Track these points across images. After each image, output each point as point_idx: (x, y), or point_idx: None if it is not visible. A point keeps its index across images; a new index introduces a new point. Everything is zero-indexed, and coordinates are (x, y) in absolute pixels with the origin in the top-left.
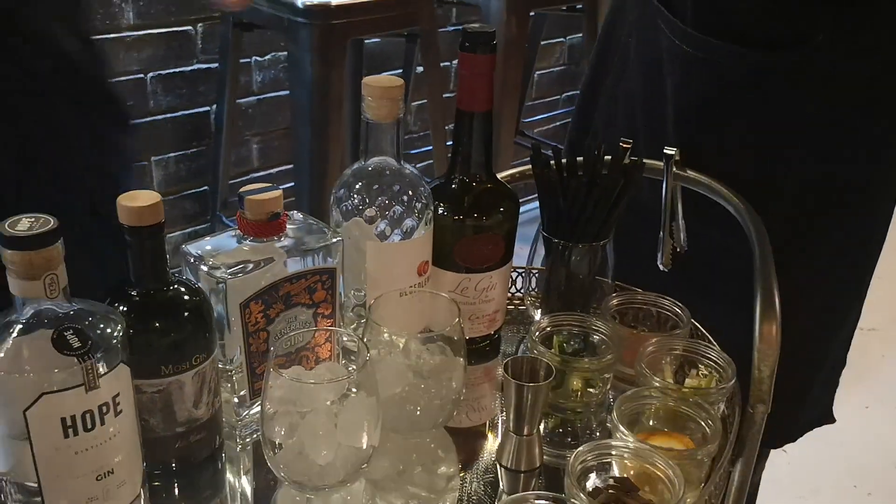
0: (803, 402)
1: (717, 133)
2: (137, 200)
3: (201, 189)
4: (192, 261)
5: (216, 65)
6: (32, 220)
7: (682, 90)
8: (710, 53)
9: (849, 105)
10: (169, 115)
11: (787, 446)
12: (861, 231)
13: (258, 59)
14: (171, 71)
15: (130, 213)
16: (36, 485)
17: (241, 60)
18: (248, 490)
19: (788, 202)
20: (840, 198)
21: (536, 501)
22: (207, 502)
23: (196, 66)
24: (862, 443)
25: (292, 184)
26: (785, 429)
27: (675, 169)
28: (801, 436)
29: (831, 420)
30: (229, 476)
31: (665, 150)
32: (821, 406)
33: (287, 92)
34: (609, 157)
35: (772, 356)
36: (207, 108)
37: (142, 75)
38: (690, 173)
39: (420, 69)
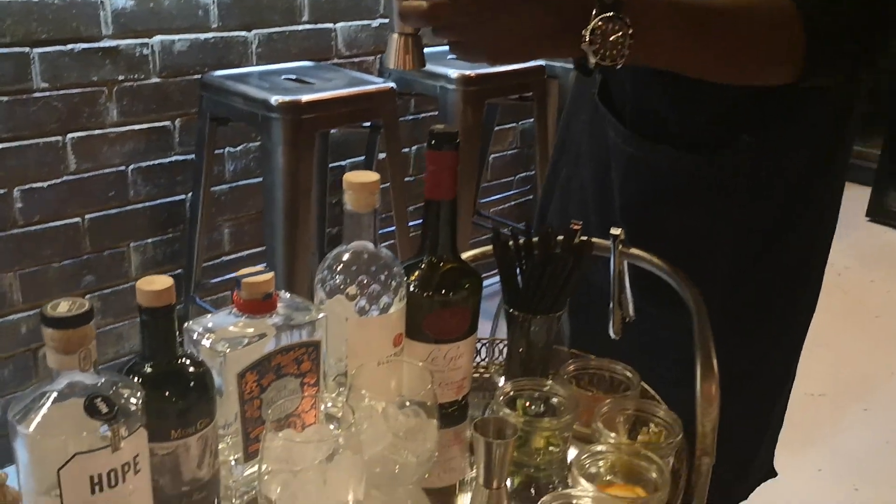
0: (752, 464)
1: (657, 220)
2: (154, 284)
3: (176, 271)
4: (195, 336)
5: (192, 156)
6: (70, 303)
7: (625, 183)
8: (648, 154)
9: (772, 197)
10: (147, 204)
11: None
12: (795, 300)
13: (231, 149)
14: (151, 163)
15: (148, 296)
16: None
17: (216, 151)
18: None
19: (721, 280)
20: (769, 276)
21: None
22: None
23: (173, 158)
24: None
25: (264, 265)
26: (736, 489)
27: (620, 247)
28: (751, 493)
29: (774, 474)
30: None
31: (611, 231)
32: (766, 464)
33: (256, 179)
34: (561, 238)
35: (712, 412)
36: (183, 197)
37: (123, 167)
38: (634, 251)
39: (382, 156)
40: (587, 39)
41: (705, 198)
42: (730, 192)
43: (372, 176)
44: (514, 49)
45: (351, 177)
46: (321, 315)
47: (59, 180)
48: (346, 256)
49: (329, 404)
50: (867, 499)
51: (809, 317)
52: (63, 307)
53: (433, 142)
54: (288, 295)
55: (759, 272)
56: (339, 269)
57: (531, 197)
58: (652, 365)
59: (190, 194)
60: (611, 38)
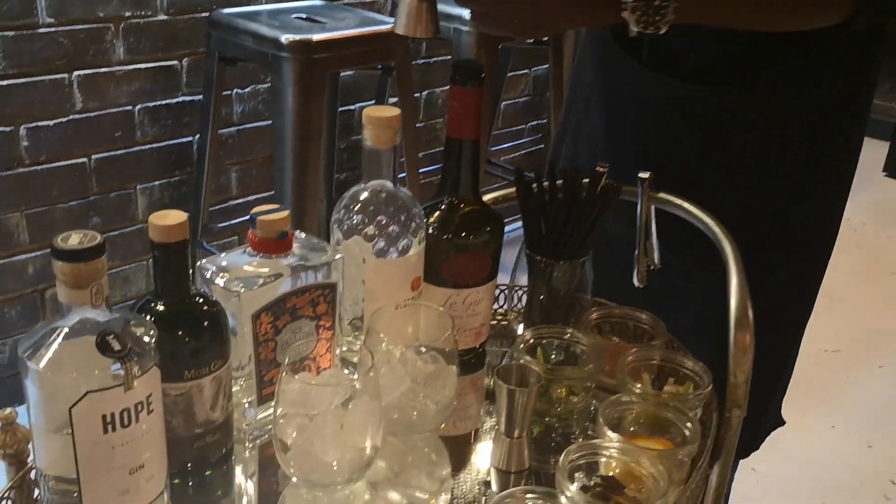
0: (767, 412)
1: (676, 162)
2: (167, 219)
3: None
4: (208, 276)
5: (200, 97)
6: (81, 235)
7: (641, 124)
8: (665, 91)
9: (791, 134)
10: (154, 145)
11: (757, 464)
12: (810, 247)
13: (239, 91)
14: (158, 103)
15: (160, 231)
16: (74, 477)
17: (224, 93)
18: (256, 490)
19: (739, 227)
20: (787, 220)
21: (528, 496)
22: (220, 500)
23: (181, 99)
24: (829, 461)
25: None
26: (749, 438)
27: (649, 191)
28: (762, 442)
29: (782, 422)
30: (239, 476)
31: (640, 175)
32: (776, 412)
33: (265, 122)
34: (587, 181)
35: (746, 363)
36: (190, 139)
37: (130, 107)
38: (663, 195)
39: (392, 100)
40: (629, 7)
41: (724, 138)
42: (749, 127)
43: (393, 110)
44: (544, 22)
45: (371, 111)
46: (338, 256)
47: (65, 119)
48: (363, 195)
49: (344, 348)
50: (881, 456)
51: (827, 258)
52: (74, 239)
53: (457, 76)
54: (303, 235)
55: (776, 212)
56: (356, 208)
57: (542, 146)
58: (674, 315)
59: (197, 136)
60: (654, 4)
